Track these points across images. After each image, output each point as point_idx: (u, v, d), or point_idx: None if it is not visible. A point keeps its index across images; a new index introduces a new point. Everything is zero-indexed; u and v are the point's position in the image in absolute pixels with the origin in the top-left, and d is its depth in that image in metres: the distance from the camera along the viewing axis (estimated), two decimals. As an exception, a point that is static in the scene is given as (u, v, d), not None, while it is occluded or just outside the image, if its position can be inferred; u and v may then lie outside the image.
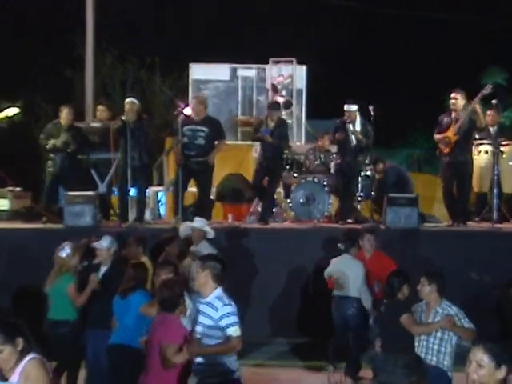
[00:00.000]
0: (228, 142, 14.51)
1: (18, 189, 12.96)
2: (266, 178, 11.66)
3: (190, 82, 15.29)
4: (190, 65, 15.38)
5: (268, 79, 14.99)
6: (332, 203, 11.75)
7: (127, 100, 11.18)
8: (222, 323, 5.91)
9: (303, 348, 9.97)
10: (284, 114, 14.54)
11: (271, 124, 11.38)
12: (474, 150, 11.67)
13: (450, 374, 6.67)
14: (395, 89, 24.30)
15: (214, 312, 5.95)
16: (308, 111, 15.36)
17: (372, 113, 11.34)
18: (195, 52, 18.40)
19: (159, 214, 13.00)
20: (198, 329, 6.04)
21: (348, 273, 8.68)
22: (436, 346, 6.65)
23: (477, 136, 11.65)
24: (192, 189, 11.59)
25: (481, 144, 11.80)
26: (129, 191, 11.13)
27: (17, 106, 22.91)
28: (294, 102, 14.84)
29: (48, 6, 22.88)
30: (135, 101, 11.15)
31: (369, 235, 8.95)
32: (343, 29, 25.75)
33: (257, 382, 8.39)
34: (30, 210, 12.16)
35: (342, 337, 8.77)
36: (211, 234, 9.20)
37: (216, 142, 11.20)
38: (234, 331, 5.93)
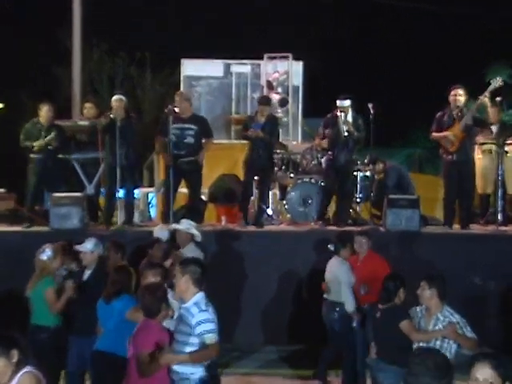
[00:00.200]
0: (221, 141, 14.58)
1: (2, 190, 12.92)
2: (256, 178, 11.62)
3: (181, 78, 15.27)
4: (182, 60, 15.35)
5: (263, 76, 14.97)
6: (329, 205, 11.74)
7: (115, 97, 11.16)
8: (198, 330, 5.90)
9: (295, 356, 9.97)
10: (280, 111, 14.58)
11: (262, 120, 11.32)
12: (478, 150, 11.68)
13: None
14: (395, 85, 24.34)
15: (191, 318, 5.95)
16: (305, 109, 15.35)
17: (371, 111, 11.32)
18: (187, 47, 18.42)
19: (149, 216, 12.97)
20: (177, 336, 6.05)
21: (332, 276, 8.74)
22: None
23: (481, 135, 11.65)
24: (183, 190, 11.56)
25: (484, 143, 11.79)
26: (116, 192, 11.11)
27: (1, 102, 22.89)
28: (290, 100, 14.83)
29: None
30: (123, 98, 11.15)
31: (360, 237, 8.94)
32: (342, 22, 25.79)
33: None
34: (15, 213, 12.11)
35: (329, 342, 8.84)
36: (199, 237, 9.16)
37: (203, 141, 11.19)
38: (210, 338, 5.92)
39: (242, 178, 12.50)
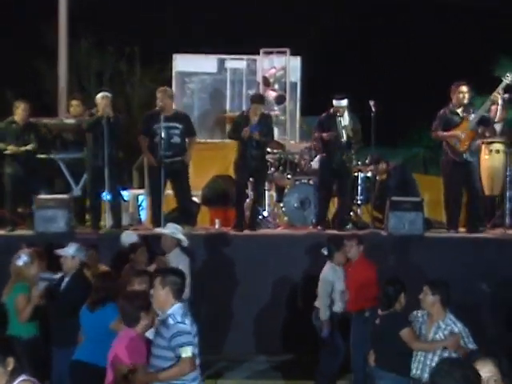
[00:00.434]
0: (215, 141, 14.60)
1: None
2: (251, 180, 11.63)
3: (173, 74, 15.25)
4: (174, 55, 15.34)
5: (259, 72, 14.98)
6: (329, 207, 11.76)
7: (102, 94, 11.14)
8: (173, 343, 5.87)
9: (288, 365, 9.99)
10: (277, 109, 14.59)
11: (254, 119, 11.31)
12: (485, 149, 11.70)
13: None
14: (396, 82, 24.38)
15: (166, 331, 5.92)
16: (303, 107, 15.36)
17: (373, 108, 11.32)
18: (179, 41, 18.42)
19: (140, 219, 12.98)
20: (154, 350, 6.02)
21: (320, 282, 8.93)
22: (434, 364, 6.61)
23: (486, 133, 11.67)
24: (169, 191, 11.54)
25: (492, 142, 11.80)
26: (101, 194, 11.11)
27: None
28: (287, 97, 14.84)
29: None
30: (109, 94, 11.16)
31: (349, 242, 8.98)
32: (341, 16, 25.82)
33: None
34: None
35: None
36: (185, 242, 9.15)
37: (187, 140, 11.20)
38: (185, 351, 5.85)
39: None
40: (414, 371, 6.78)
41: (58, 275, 8.12)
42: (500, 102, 11.21)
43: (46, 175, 11.70)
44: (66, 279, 7.88)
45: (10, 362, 4.60)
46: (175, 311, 5.99)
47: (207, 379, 8.18)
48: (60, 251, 8.01)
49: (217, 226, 11.82)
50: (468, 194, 11.27)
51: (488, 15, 23.88)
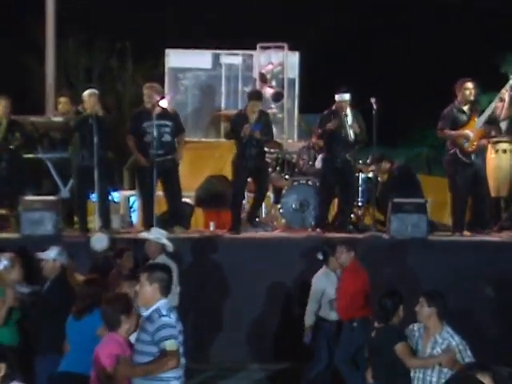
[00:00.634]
0: (210, 140, 14.59)
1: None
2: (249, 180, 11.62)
3: (166, 70, 15.25)
4: (167, 51, 15.33)
5: (255, 67, 14.97)
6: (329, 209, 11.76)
7: (89, 91, 11.13)
8: (157, 336, 5.90)
9: (282, 375, 9.97)
10: (274, 107, 14.58)
11: (253, 117, 11.30)
12: (491, 149, 11.70)
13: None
14: (398, 81, 24.41)
15: (151, 325, 5.97)
16: (301, 104, 15.36)
17: (374, 106, 11.31)
18: (172, 36, 18.41)
19: (131, 221, 12.96)
20: (137, 346, 6.07)
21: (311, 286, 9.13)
22: (434, 379, 6.58)
23: (492, 132, 11.67)
24: (160, 192, 11.52)
25: (498, 142, 11.80)
26: (89, 195, 11.09)
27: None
28: (285, 94, 14.84)
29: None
30: (96, 91, 11.17)
31: (339, 247, 8.98)
32: (342, 10, 25.82)
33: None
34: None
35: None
36: (170, 247, 9.12)
37: (176, 138, 11.22)
38: (170, 345, 5.88)
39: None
40: None
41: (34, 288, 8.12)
42: (507, 99, 11.23)
43: (32, 175, 11.68)
44: (48, 283, 7.87)
45: (2, 368, 4.64)
46: (161, 306, 6.05)
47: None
48: (41, 254, 8.00)
49: (211, 229, 11.81)
50: (474, 195, 11.26)
51: (489, 14, 23.98)
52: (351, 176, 11.49)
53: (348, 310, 8.73)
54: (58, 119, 12.00)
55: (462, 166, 11.21)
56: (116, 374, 5.89)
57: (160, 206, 11.48)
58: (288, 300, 10.42)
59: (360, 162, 12.05)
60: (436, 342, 6.63)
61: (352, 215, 11.87)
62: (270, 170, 12.12)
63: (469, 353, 6.58)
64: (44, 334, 7.52)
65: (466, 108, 11.21)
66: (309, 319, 9.07)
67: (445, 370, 6.54)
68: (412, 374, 6.71)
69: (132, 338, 6.31)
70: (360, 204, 12.01)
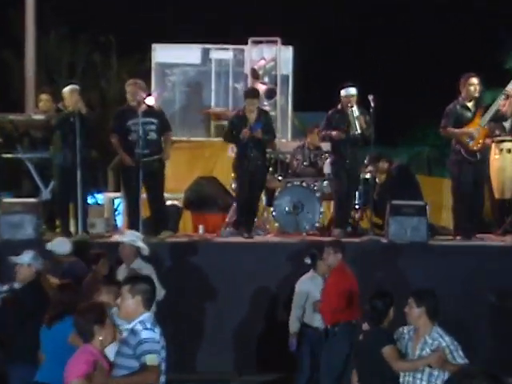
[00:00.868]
0: (199, 139, 14.59)
1: None
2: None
3: (152, 66, 15.26)
4: (153, 45, 15.34)
5: (247, 63, 14.98)
6: (324, 212, 11.77)
7: (71, 87, 11.15)
8: (139, 350, 5.91)
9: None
10: (266, 104, 14.58)
11: (252, 117, 11.33)
12: (494, 148, 11.73)
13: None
14: (397, 78, 24.45)
15: (133, 338, 5.98)
16: (295, 102, 15.38)
17: (372, 103, 11.31)
18: (159, 30, 18.40)
19: (115, 224, 12.96)
20: (117, 360, 6.07)
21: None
22: (424, 383, 6.59)
23: (496, 131, 11.71)
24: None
25: (502, 141, 11.82)
26: (72, 198, 11.10)
27: None
28: (278, 91, 14.85)
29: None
30: (77, 87, 11.20)
31: (327, 249, 9.01)
32: (337, 2, 25.84)
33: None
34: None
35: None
36: (146, 251, 9.12)
37: (163, 136, 11.22)
38: (150, 360, 5.89)
39: (222, 181, 12.52)
40: None
41: (5, 287, 8.13)
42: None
43: (12, 176, 11.66)
44: (21, 288, 7.88)
45: None
46: (145, 319, 6.07)
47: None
48: (15, 259, 8.01)
49: (200, 233, 11.82)
50: (474, 196, 11.30)
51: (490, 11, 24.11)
52: (357, 177, 11.54)
53: (332, 313, 8.75)
54: (39, 117, 11.97)
55: (465, 165, 11.23)
56: (93, 380, 5.88)
57: (146, 208, 11.48)
58: (275, 306, 10.40)
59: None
60: (426, 342, 6.63)
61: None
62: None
63: (461, 353, 6.59)
64: (18, 342, 7.53)
65: (470, 105, 11.24)
66: (293, 326, 9.12)
67: (435, 372, 6.55)
68: (401, 379, 6.70)
69: (110, 350, 6.30)
70: (357, 207, 12.01)
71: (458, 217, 11.44)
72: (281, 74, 14.94)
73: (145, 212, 11.31)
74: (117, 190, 14.29)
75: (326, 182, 12.07)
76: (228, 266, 10.49)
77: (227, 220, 12.21)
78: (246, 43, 15.02)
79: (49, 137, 11.43)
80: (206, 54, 15.12)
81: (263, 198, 12.37)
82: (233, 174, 11.73)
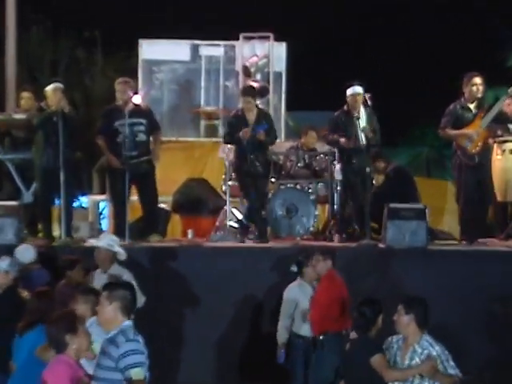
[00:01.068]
0: (189, 139, 14.60)
1: None
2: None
3: (139, 62, 15.26)
4: (140, 41, 15.35)
5: (238, 60, 15.00)
6: (319, 215, 11.78)
7: (54, 86, 11.13)
8: (123, 363, 5.87)
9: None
10: (259, 103, 14.59)
11: (251, 115, 11.31)
12: (497, 149, 11.76)
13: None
14: (396, 75, 24.50)
15: (115, 350, 5.92)
16: (288, 100, 15.40)
17: (369, 102, 11.35)
18: (146, 25, 18.39)
19: (100, 229, 12.95)
20: (97, 372, 6.01)
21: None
22: None
23: (498, 132, 11.73)
24: (133, 197, 11.53)
25: (504, 142, 11.84)
26: (55, 200, 11.09)
27: None
28: (270, 89, 14.87)
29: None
30: (61, 85, 11.18)
31: (316, 256, 9.01)
32: (337, 1, 25.88)
33: None
34: None
35: None
36: (123, 255, 9.07)
37: (152, 137, 11.24)
38: (136, 374, 5.86)
39: (213, 183, 12.52)
40: None
41: None
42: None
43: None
44: None
45: None
46: (127, 328, 6.02)
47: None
48: None
49: (189, 237, 11.82)
50: (482, 200, 11.32)
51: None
52: (361, 180, 11.42)
53: (321, 323, 8.73)
54: (20, 116, 11.97)
55: (466, 169, 11.27)
56: None
57: (133, 212, 11.48)
58: (260, 315, 10.37)
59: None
60: (415, 351, 6.66)
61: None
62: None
63: (452, 363, 6.63)
64: None
65: (472, 106, 11.26)
66: (281, 336, 9.04)
67: (425, 382, 6.59)
68: None
69: (87, 362, 6.29)
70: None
71: (464, 222, 11.46)
72: (274, 71, 14.98)
73: (131, 215, 11.32)
74: (102, 193, 14.27)
75: (320, 184, 12.09)
76: (216, 272, 10.47)
77: (217, 224, 12.23)
78: (238, 39, 15.04)
79: (31, 137, 11.42)
80: (195, 50, 15.13)
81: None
82: (223, 176, 11.71)
